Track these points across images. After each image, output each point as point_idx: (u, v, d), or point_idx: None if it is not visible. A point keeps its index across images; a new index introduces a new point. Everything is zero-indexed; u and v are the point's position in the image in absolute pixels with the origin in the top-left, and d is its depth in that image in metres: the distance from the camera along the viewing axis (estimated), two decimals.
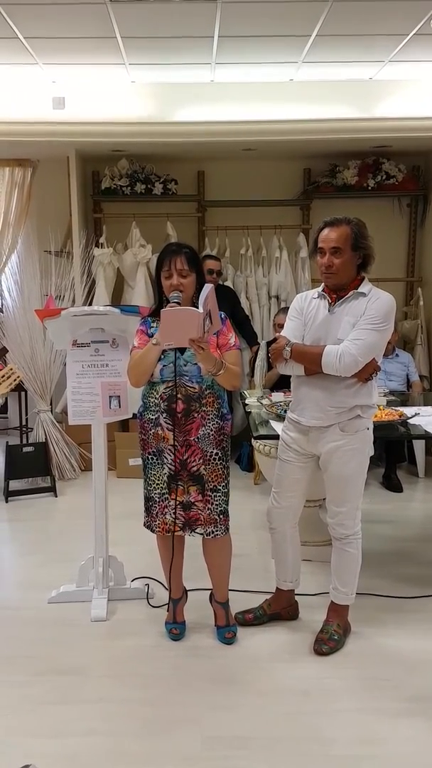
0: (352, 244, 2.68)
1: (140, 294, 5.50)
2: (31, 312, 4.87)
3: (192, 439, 2.77)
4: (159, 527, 2.88)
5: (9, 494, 4.89)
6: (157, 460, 2.84)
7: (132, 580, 3.41)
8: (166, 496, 2.83)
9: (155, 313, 2.84)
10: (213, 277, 4.97)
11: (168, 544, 2.90)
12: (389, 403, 3.87)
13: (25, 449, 5.12)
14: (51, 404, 5.41)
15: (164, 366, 2.73)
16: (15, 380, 3.21)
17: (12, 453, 5.03)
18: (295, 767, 2.21)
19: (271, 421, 3.58)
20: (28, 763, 1.76)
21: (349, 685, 2.64)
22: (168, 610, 3.05)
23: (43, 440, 5.19)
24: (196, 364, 2.71)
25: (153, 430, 2.81)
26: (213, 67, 4.57)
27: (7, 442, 5.24)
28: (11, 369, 3.23)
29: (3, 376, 3.18)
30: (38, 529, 4.35)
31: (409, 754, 2.27)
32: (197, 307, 2.55)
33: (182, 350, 2.72)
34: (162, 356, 2.72)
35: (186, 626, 3.03)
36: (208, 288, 2.54)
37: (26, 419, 5.85)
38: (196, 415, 2.75)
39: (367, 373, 2.71)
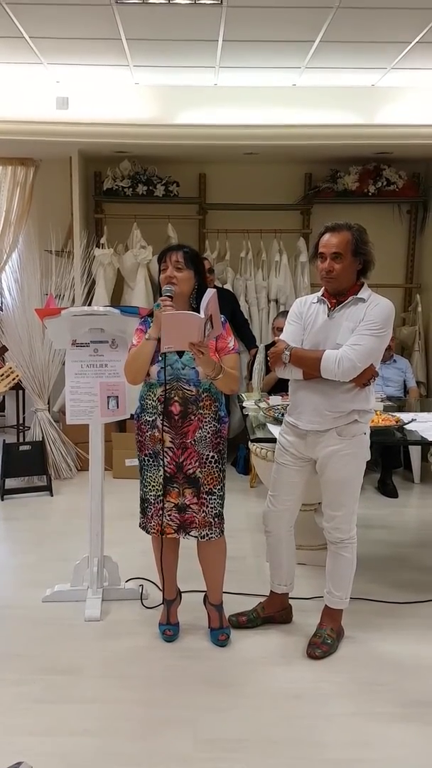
0: (352, 249, 2.69)
1: (140, 295, 5.51)
2: (31, 311, 4.87)
3: (188, 441, 2.78)
4: (154, 529, 2.88)
5: (5, 492, 4.88)
6: (153, 462, 2.84)
7: (126, 581, 3.42)
8: (162, 498, 2.84)
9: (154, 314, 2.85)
10: (211, 276, 4.97)
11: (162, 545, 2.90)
12: (386, 409, 3.88)
13: (22, 448, 5.11)
14: (49, 403, 5.41)
15: (162, 369, 2.74)
16: (14, 379, 3.20)
17: (9, 451, 5.03)
18: None
19: (268, 424, 3.58)
20: (20, 761, 1.76)
21: (342, 690, 2.65)
22: (162, 611, 3.06)
23: (40, 439, 5.19)
24: (194, 367, 2.71)
25: (149, 432, 2.82)
26: (217, 71, 4.58)
27: (4, 441, 5.24)
28: (10, 368, 3.23)
29: (2, 375, 3.18)
30: (33, 528, 4.35)
31: (402, 759, 2.27)
32: (197, 311, 2.56)
33: (180, 353, 2.73)
34: (160, 359, 2.73)
35: (180, 628, 3.03)
36: (210, 293, 2.55)
37: (24, 418, 5.85)
38: (192, 417, 2.76)
39: (365, 378, 2.72)
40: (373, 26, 3.81)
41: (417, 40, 3.99)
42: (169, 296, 2.65)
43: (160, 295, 2.83)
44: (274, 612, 3.12)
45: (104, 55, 4.32)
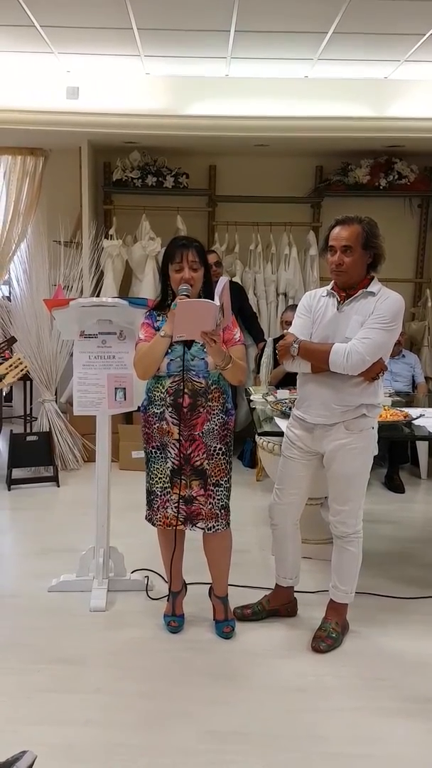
0: (362, 243, 2.68)
1: (148, 287, 5.50)
2: (39, 301, 4.87)
3: (197, 433, 2.77)
4: (160, 521, 2.88)
5: (12, 482, 4.90)
6: (160, 454, 2.84)
7: (132, 572, 3.42)
8: (168, 490, 2.84)
9: (160, 306, 2.84)
10: (219, 269, 4.95)
11: (169, 537, 2.91)
12: (394, 404, 3.87)
13: (29, 438, 5.13)
14: (56, 394, 5.42)
15: (171, 360, 2.73)
16: (22, 370, 3.21)
17: (16, 442, 5.04)
18: (291, 764, 2.22)
19: (275, 418, 3.58)
20: (24, 750, 1.76)
21: (346, 684, 2.65)
22: (167, 602, 3.06)
23: (47, 430, 5.20)
24: (203, 359, 2.71)
25: (157, 424, 2.81)
26: (228, 62, 4.55)
27: (11, 431, 5.25)
28: (19, 359, 3.24)
29: (11, 366, 3.18)
30: (40, 518, 4.36)
31: (404, 755, 2.27)
32: (207, 300, 2.55)
33: (189, 345, 2.73)
34: (169, 350, 2.72)
35: (185, 619, 3.04)
36: (224, 281, 2.54)
37: (31, 408, 5.87)
38: (201, 410, 2.75)
39: (374, 372, 2.71)
40: (386, 18, 3.78)
41: (431, 32, 3.95)
42: (186, 296, 2.63)
43: (164, 289, 2.82)
44: (279, 605, 3.12)
45: (115, 44, 4.30)
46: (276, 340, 4.64)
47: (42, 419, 5.31)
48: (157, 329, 2.74)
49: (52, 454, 5.10)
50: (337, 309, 2.76)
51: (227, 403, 2.84)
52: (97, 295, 5.36)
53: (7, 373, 3.25)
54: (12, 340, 5.06)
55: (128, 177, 5.58)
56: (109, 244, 5.48)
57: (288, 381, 4.20)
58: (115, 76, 4.82)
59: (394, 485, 5.01)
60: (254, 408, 3.89)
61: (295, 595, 3.17)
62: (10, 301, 5.40)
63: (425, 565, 3.75)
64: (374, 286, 2.74)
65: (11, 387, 6.08)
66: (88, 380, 3.24)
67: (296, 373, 2.91)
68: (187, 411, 2.74)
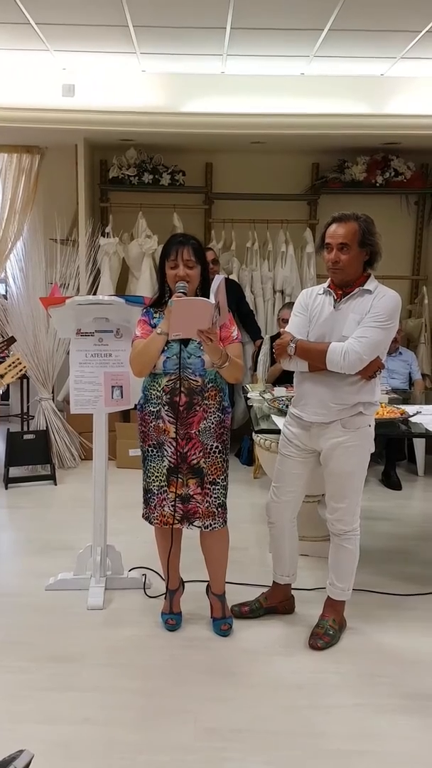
0: (359, 240, 2.67)
1: (145, 285, 5.49)
2: (35, 299, 4.86)
3: (193, 432, 2.77)
4: (157, 519, 2.88)
5: (9, 481, 4.90)
6: (157, 452, 2.84)
7: (129, 570, 3.42)
8: (165, 488, 2.84)
9: (156, 304, 2.84)
10: (215, 267, 4.95)
11: (166, 535, 2.91)
12: (391, 401, 3.87)
13: (26, 437, 5.13)
14: (53, 392, 5.42)
15: (168, 358, 2.72)
16: (21, 370, 3.21)
17: (13, 440, 5.04)
18: (289, 761, 2.22)
19: (272, 415, 3.58)
20: (21, 749, 1.76)
21: (344, 681, 2.65)
22: (165, 600, 3.06)
23: (44, 428, 5.20)
24: (200, 357, 2.71)
25: (154, 423, 2.81)
26: (224, 59, 4.54)
27: (8, 429, 5.26)
28: (17, 358, 3.24)
29: (10, 365, 3.18)
30: (37, 517, 4.36)
31: (402, 752, 2.28)
32: (204, 299, 2.55)
33: (186, 343, 2.72)
34: (165, 348, 2.71)
35: (182, 617, 3.04)
36: (219, 279, 2.54)
37: (28, 407, 5.86)
38: (198, 408, 2.75)
39: (371, 370, 2.71)
40: (382, 15, 3.78)
41: (427, 29, 3.95)
42: (183, 293, 2.63)
43: (162, 286, 2.82)
44: (277, 602, 3.13)
45: (111, 42, 4.29)
46: (273, 338, 4.64)
47: (39, 417, 5.31)
48: (154, 326, 2.74)
49: (49, 452, 5.10)
50: (334, 307, 2.75)
51: (224, 401, 2.83)
52: (94, 293, 5.35)
53: (7, 372, 3.25)
54: (11, 340, 5.06)
55: (124, 174, 5.57)
56: (105, 241, 5.47)
57: (285, 378, 4.20)
58: (111, 74, 4.81)
59: (391, 482, 5.02)
60: (251, 405, 3.89)
61: (293, 592, 3.18)
62: (6, 299, 5.39)
63: (423, 562, 3.76)
64: (371, 284, 2.74)
65: (8, 385, 6.08)
66: (85, 378, 3.23)
67: (293, 371, 2.91)
68: (184, 409, 2.74)
